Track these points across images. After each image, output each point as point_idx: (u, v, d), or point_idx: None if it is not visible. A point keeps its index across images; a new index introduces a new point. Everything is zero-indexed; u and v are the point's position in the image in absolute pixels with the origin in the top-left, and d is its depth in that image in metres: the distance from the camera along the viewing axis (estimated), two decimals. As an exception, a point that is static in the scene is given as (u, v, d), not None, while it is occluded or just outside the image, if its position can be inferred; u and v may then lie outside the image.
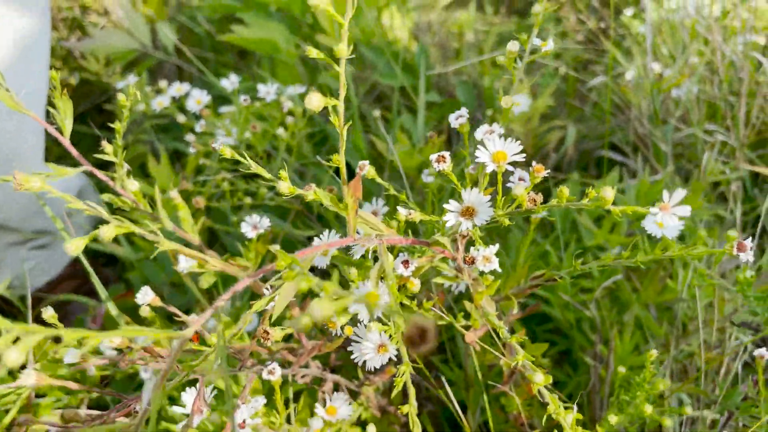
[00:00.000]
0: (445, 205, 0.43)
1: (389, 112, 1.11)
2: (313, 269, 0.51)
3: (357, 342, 0.43)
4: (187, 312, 0.95)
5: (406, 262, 0.45)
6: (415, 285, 0.44)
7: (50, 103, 0.90)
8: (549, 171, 0.65)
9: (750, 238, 0.44)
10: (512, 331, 0.59)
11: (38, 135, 1.04)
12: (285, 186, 0.47)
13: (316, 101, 0.47)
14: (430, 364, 0.69)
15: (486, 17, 1.83)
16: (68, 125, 0.55)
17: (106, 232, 0.46)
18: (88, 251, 1.26)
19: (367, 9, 1.09)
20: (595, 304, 0.67)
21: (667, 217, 0.39)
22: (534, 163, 0.44)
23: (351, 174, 0.88)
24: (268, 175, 0.50)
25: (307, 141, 0.90)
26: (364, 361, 0.43)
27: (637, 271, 0.73)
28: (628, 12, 1.29)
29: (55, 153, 1.46)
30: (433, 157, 0.44)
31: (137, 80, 0.97)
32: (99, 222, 1.30)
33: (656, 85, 0.90)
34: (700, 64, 0.95)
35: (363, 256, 0.48)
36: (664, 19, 1.19)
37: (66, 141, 0.56)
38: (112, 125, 0.57)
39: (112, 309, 0.64)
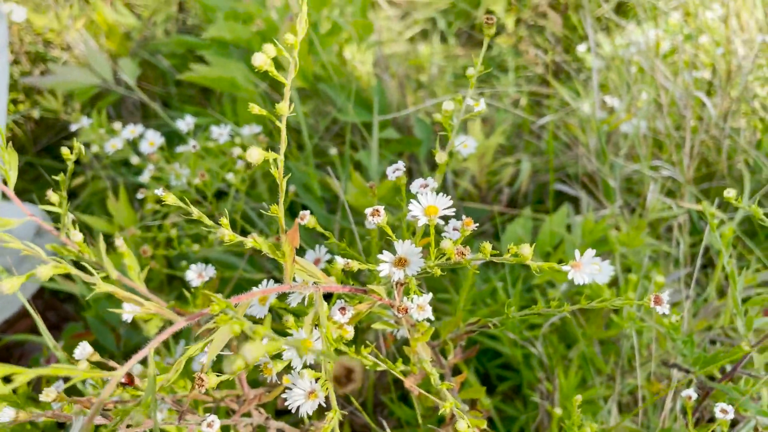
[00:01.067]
0: (379, 256, 0.44)
1: (351, 149, 1.13)
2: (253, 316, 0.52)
3: (290, 389, 0.44)
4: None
5: (342, 309, 0.46)
6: (348, 332, 0.45)
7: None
8: (503, 206, 0.66)
9: (676, 279, 0.46)
10: (456, 372, 0.60)
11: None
12: (226, 234, 0.48)
13: (256, 155, 0.48)
14: (382, 404, 0.70)
15: (449, 49, 1.86)
16: (13, 177, 0.55)
17: (43, 272, 0.47)
18: (47, 288, 1.25)
19: (329, 46, 1.11)
20: (542, 340, 0.69)
21: (579, 274, 0.41)
22: (464, 217, 0.45)
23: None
24: (209, 222, 0.51)
25: (263, 180, 0.91)
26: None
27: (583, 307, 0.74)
28: (581, 47, 1.33)
29: (16, 186, 1.45)
30: (368, 211, 0.46)
31: (94, 120, 0.97)
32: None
33: (604, 122, 0.93)
34: (646, 101, 0.99)
35: (302, 303, 0.49)
36: (615, 55, 1.23)
37: (11, 192, 0.57)
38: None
39: (58, 353, 0.64)
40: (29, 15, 1.45)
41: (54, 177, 0.59)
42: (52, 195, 0.60)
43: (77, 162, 1.42)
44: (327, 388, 0.42)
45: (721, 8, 1.08)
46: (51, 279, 1.08)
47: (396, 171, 0.50)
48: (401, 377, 0.48)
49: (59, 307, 1.25)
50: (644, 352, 0.67)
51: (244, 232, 0.87)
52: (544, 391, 0.65)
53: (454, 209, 0.44)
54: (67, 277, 1.07)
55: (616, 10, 1.56)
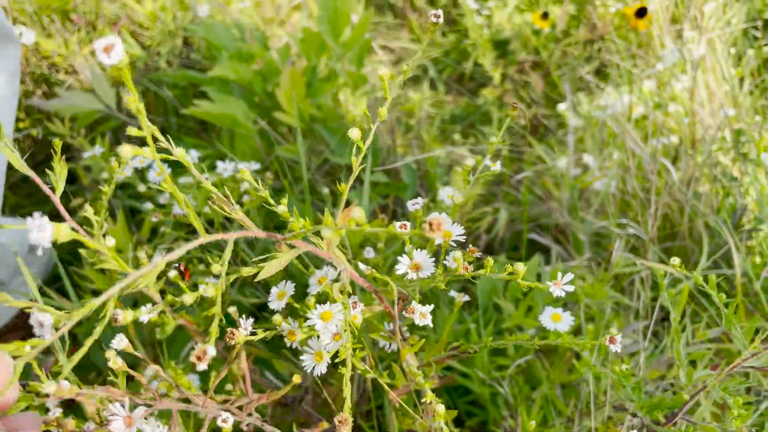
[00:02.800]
0: (399, 258, 0.51)
1: (339, 184, 1.19)
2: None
3: (308, 353, 0.50)
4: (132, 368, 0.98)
5: (354, 303, 0.52)
6: (358, 319, 0.51)
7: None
8: (481, 252, 0.73)
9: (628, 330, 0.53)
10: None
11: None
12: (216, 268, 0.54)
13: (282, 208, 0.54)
14: (359, 428, 0.75)
15: (438, 95, 1.95)
16: (61, 186, 0.60)
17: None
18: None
19: (326, 92, 1.18)
20: (509, 380, 0.75)
21: (558, 289, 0.48)
22: (470, 245, 0.52)
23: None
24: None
25: (258, 213, 0.97)
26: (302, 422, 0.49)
27: (547, 351, 0.81)
28: (562, 106, 1.42)
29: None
30: (398, 224, 0.52)
31: (102, 151, 1.03)
32: (52, 273, 1.32)
33: (577, 180, 1.01)
34: (616, 162, 1.07)
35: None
36: (591, 116, 1.32)
37: (56, 198, 0.62)
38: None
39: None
40: (38, 38, 1.51)
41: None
42: (89, 209, 0.65)
43: (75, 183, 1.47)
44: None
45: (691, 80, 1.18)
46: (42, 293, 1.12)
47: (415, 204, 0.57)
48: (387, 388, 0.54)
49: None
50: (601, 397, 0.73)
51: (241, 261, 0.93)
52: (508, 428, 0.71)
53: (464, 236, 0.51)
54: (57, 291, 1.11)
55: (595, 72, 1.67)
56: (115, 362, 0.47)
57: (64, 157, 0.56)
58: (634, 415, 0.58)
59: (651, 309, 0.96)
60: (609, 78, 1.50)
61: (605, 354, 0.74)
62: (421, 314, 0.52)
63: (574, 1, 1.90)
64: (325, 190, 1.02)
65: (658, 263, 0.94)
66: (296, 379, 0.51)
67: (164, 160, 0.81)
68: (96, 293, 1.09)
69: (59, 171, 0.49)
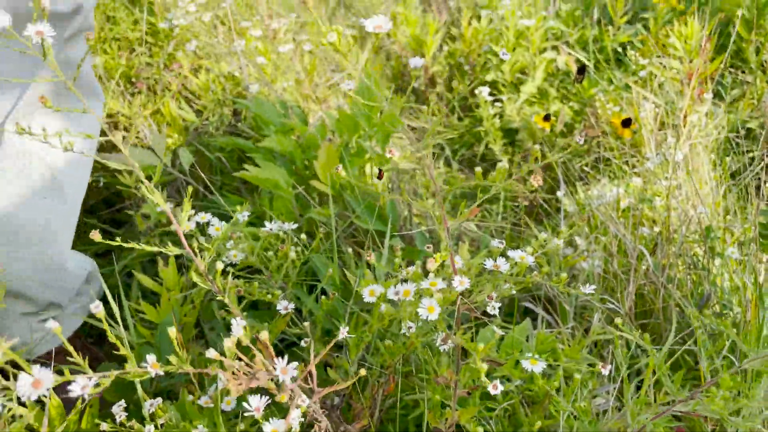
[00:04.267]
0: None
1: (361, 247, 1.37)
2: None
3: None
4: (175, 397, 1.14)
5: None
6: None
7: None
8: (479, 313, 0.89)
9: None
10: None
11: (72, 222, 1.27)
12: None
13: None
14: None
15: (452, 172, 2.15)
16: (184, 221, 0.78)
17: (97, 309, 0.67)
18: (83, 329, 1.44)
19: (355, 165, 1.38)
20: (496, 420, 0.90)
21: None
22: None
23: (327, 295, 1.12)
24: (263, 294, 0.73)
25: (293, 266, 1.14)
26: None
27: (530, 401, 0.95)
28: (560, 193, 1.61)
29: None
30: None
31: (157, 201, 1.21)
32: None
33: (566, 259, 1.18)
34: (601, 246, 1.24)
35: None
36: (583, 203, 1.50)
37: (180, 231, 0.79)
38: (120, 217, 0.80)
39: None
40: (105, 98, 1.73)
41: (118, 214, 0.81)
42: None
43: (125, 226, 1.66)
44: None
45: (671, 180, 1.37)
46: (91, 316, 1.28)
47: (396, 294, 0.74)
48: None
49: (88, 348, 1.44)
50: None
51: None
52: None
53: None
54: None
55: (592, 164, 1.87)
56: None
57: (129, 203, 0.74)
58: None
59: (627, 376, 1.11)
60: (603, 171, 1.69)
61: (577, 403, 0.89)
62: (461, 282, 0.68)
63: (577, 100, 2.12)
64: (349, 250, 1.20)
65: (631, 335, 1.09)
66: (362, 372, 0.66)
67: (217, 214, 1.02)
68: (147, 322, 1.25)
69: (186, 208, 0.67)
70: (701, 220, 1.33)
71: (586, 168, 1.80)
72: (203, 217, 1.04)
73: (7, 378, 1.10)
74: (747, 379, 0.90)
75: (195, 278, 0.78)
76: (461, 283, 0.66)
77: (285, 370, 0.58)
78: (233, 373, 0.57)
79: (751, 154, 1.78)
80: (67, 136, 0.70)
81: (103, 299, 1.49)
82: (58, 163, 1.20)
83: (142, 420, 0.88)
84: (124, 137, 1.69)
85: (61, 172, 1.20)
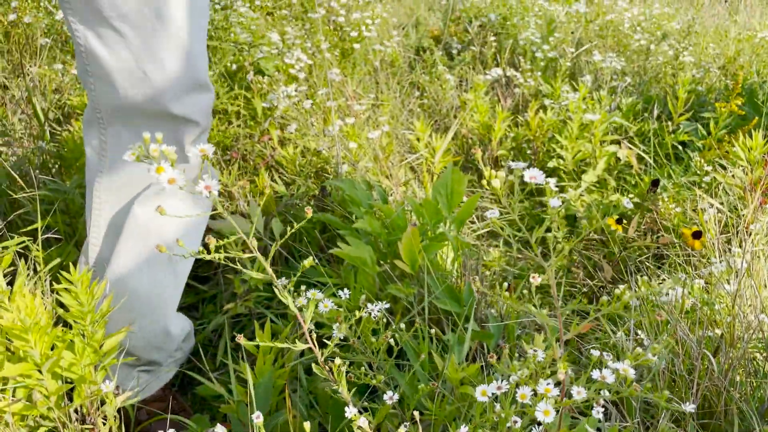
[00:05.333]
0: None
1: (437, 324, 1.48)
2: None
3: None
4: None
5: None
6: None
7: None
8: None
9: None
10: None
11: (180, 290, 1.41)
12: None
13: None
14: None
15: (512, 252, 2.26)
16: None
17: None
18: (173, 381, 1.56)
19: (435, 250, 1.50)
20: None
21: None
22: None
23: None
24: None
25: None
26: None
27: None
28: (621, 285, 1.69)
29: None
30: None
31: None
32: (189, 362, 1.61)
33: (632, 356, 1.26)
34: (667, 344, 1.32)
35: None
36: (647, 298, 1.59)
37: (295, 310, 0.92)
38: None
39: None
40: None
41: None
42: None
43: (208, 283, 1.80)
44: None
45: (735, 286, 1.44)
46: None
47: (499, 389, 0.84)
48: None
49: (176, 397, 1.56)
50: None
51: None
52: None
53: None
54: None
55: (655, 259, 1.95)
56: None
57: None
58: None
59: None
60: (666, 268, 1.77)
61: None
62: None
63: (636, 193, 2.22)
64: (432, 331, 1.31)
65: (696, 436, 1.16)
66: None
67: (306, 282, 1.15)
68: (241, 380, 1.37)
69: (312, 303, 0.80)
70: (763, 326, 1.39)
71: (646, 262, 1.89)
72: (313, 293, 1.17)
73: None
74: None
75: (315, 369, 0.90)
76: (579, 393, 0.76)
77: None
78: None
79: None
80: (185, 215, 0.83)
81: (195, 353, 1.62)
82: (174, 238, 1.35)
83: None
84: (225, 206, 1.86)
85: (176, 247, 1.35)
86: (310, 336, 0.82)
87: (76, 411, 1.18)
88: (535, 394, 0.80)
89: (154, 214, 1.29)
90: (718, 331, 1.46)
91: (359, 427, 0.69)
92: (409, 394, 1.09)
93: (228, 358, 1.36)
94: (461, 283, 1.54)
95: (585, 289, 1.97)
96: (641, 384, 1.31)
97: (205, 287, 1.86)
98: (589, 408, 1.32)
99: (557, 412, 0.77)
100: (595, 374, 0.79)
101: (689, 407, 1.21)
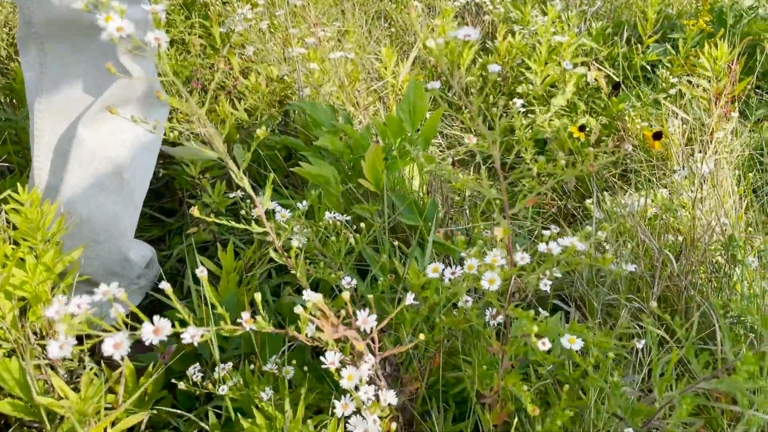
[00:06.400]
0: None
1: (402, 241, 1.47)
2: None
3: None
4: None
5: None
6: None
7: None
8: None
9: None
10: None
11: (135, 215, 1.38)
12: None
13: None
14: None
15: (481, 178, 2.24)
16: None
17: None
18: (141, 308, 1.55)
19: (400, 166, 1.48)
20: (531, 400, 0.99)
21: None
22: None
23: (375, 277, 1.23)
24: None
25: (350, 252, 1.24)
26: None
27: (561, 384, 1.04)
28: (589, 200, 1.70)
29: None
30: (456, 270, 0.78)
31: (216, 190, 1.32)
32: (156, 285, 1.60)
33: (596, 260, 1.27)
34: (628, 251, 1.33)
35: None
36: (613, 211, 1.59)
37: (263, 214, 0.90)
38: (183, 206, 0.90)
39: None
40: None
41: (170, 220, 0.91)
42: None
43: (174, 216, 1.77)
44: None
45: (696, 192, 1.45)
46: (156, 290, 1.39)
47: (453, 274, 0.83)
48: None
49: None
50: (600, 407, 0.97)
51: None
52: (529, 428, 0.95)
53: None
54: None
55: (620, 176, 1.95)
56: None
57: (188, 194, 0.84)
58: (621, 419, 0.82)
59: (648, 367, 1.19)
60: (631, 182, 1.78)
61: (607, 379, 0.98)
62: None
63: (606, 115, 2.21)
64: (395, 243, 1.30)
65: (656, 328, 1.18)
66: (421, 336, 0.76)
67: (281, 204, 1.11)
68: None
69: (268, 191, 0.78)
70: (724, 230, 1.41)
71: (614, 179, 1.89)
72: (270, 204, 1.15)
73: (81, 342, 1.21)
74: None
75: (273, 255, 0.89)
76: (522, 258, 0.76)
77: (366, 320, 0.67)
78: (321, 316, 0.67)
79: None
80: (141, 126, 0.81)
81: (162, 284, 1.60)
82: (124, 161, 1.31)
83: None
84: (181, 133, 1.81)
85: (126, 170, 1.31)
86: (257, 225, 0.81)
87: (35, 333, 1.17)
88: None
89: (99, 136, 1.25)
90: (681, 238, 1.48)
91: (313, 304, 0.68)
92: (367, 296, 1.09)
93: (195, 284, 1.35)
94: (426, 199, 1.53)
95: (554, 210, 1.98)
96: (603, 288, 1.33)
97: (171, 220, 1.83)
98: (544, 302, 1.34)
99: (504, 281, 0.77)
100: (542, 247, 0.79)
101: (652, 303, 1.23)
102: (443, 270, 0.84)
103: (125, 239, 1.36)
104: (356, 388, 0.72)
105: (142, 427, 1.11)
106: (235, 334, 0.72)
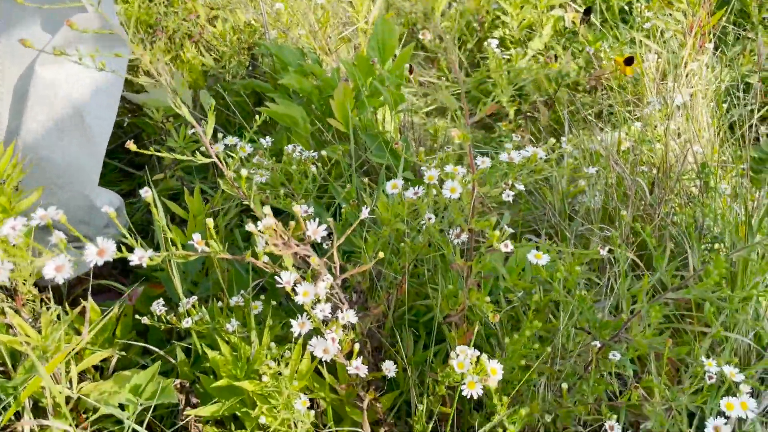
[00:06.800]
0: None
1: (373, 182, 1.45)
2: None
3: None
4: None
5: None
6: None
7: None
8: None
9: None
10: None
11: (99, 159, 1.34)
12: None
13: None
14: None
15: (457, 126, 2.22)
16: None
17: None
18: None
19: (369, 106, 1.45)
20: (500, 323, 0.98)
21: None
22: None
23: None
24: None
25: (313, 182, 1.22)
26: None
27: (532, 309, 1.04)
28: (564, 138, 1.67)
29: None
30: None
31: (180, 133, 1.29)
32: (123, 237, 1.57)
33: (567, 189, 1.25)
34: (601, 181, 1.32)
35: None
36: (588, 148, 1.58)
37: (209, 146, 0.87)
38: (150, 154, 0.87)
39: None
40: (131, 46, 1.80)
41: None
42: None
43: (144, 169, 1.74)
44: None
45: (668, 123, 1.43)
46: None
47: (416, 194, 0.81)
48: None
49: (116, 278, 1.53)
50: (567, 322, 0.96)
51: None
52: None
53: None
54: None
55: (597, 115, 1.93)
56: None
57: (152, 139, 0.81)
58: (589, 333, 0.81)
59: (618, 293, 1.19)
60: (607, 120, 1.76)
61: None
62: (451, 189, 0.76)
63: (584, 57, 2.18)
64: (365, 179, 1.28)
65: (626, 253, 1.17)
66: (381, 254, 0.74)
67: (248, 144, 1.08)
68: (174, 245, 1.34)
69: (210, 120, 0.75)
70: (697, 158, 1.40)
71: (590, 118, 1.87)
72: (231, 140, 1.12)
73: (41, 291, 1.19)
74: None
75: (223, 185, 0.86)
76: (483, 162, 0.74)
77: (316, 231, 0.65)
78: (272, 232, 0.65)
79: (749, 107, 1.84)
80: (99, 57, 0.77)
81: (129, 232, 1.57)
82: (84, 101, 1.27)
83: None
84: (149, 74, 1.76)
85: (87, 112, 1.27)
86: (217, 157, 0.78)
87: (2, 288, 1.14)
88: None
89: (57, 76, 1.20)
90: (655, 171, 1.47)
91: (265, 216, 0.66)
92: (334, 228, 1.07)
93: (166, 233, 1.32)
94: (397, 137, 1.50)
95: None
96: (576, 219, 1.32)
97: (141, 173, 1.80)
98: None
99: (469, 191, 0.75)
100: (503, 156, 0.77)
101: (625, 214, 1.23)
102: (408, 192, 0.82)
103: (90, 185, 1.33)
104: (314, 307, 0.70)
105: (111, 368, 1.09)
106: (189, 259, 0.70)
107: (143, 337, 1.23)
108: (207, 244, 0.80)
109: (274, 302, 1.13)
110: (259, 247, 0.68)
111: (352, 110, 1.44)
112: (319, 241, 0.68)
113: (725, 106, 1.58)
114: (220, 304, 1.06)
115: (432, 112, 2.28)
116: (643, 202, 1.34)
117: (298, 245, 0.67)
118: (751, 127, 1.77)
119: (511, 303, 1.06)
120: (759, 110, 1.74)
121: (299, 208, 0.68)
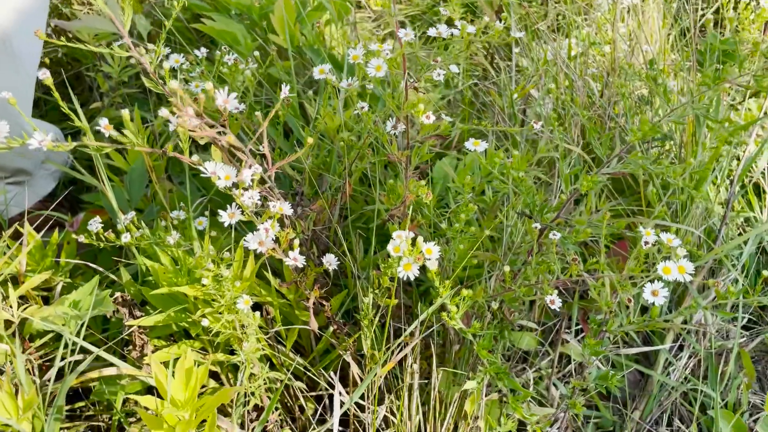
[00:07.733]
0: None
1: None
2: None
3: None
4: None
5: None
6: None
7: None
8: (437, 149, 0.92)
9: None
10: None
11: (30, 86, 1.28)
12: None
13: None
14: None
15: (414, 48, 2.16)
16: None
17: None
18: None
19: (313, 20, 1.39)
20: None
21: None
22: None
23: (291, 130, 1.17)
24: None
25: (261, 107, 1.18)
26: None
27: (483, 212, 1.03)
28: (516, 49, 1.64)
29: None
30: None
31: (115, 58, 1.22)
32: (63, 172, 1.52)
33: (516, 90, 1.23)
34: (551, 82, 1.30)
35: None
36: (537, 55, 1.55)
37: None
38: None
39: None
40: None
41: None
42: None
43: (92, 90, 1.66)
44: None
45: (623, 25, 1.41)
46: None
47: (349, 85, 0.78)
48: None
49: (61, 204, 1.48)
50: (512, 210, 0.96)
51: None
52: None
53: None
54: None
55: (551, 29, 1.90)
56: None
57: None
58: (529, 216, 0.81)
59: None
60: (560, 31, 1.73)
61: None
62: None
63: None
64: (310, 93, 1.24)
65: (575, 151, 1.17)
66: (310, 140, 0.72)
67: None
68: (115, 170, 1.29)
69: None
70: (646, 57, 1.38)
71: (542, 29, 1.84)
72: (177, 60, 1.06)
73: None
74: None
75: (146, 82, 0.82)
76: (407, 35, 0.71)
77: (227, 100, 0.62)
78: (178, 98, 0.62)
79: (701, 12, 1.83)
80: None
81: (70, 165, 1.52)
82: (8, 27, 1.20)
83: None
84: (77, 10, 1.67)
85: (13, 39, 1.20)
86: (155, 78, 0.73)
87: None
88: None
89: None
90: (605, 74, 1.45)
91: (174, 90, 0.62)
92: (279, 142, 1.04)
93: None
94: (344, 53, 1.46)
95: (482, 68, 1.92)
96: (526, 123, 1.30)
97: (83, 110, 1.73)
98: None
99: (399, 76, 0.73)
100: (431, 31, 0.74)
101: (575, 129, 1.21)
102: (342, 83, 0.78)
103: (23, 114, 1.27)
104: (236, 188, 0.67)
105: (56, 295, 1.07)
106: (102, 151, 0.67)
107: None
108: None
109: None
110: (171, 128, 0.65)
111: (294, 25, 1.39)
112: (231, 110, 0.65)
113: (675, 6, 1.56)
114: (164, 223, 1.03)
115: (387, 36, 2.22)
116: (594, 105, 1.33)
117: (213, 125, 0.64)
118: (702, 29, 1.76)
119: (458, 202, 1.05)
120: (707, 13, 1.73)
121: (209, 84, 0.65)
